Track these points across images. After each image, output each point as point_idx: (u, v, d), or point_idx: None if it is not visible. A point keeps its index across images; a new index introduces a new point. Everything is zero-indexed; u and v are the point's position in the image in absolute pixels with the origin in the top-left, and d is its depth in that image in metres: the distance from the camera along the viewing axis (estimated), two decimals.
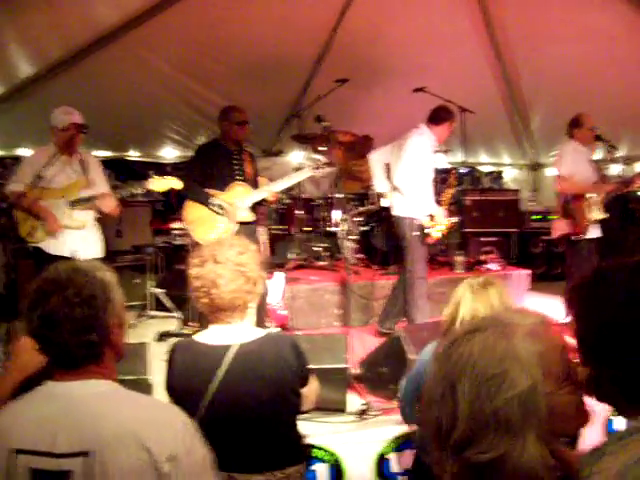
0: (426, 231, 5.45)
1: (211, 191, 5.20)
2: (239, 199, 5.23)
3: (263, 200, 5.38)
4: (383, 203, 6.32)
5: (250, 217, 5.28)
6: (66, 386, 1.71)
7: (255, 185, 5.38)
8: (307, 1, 6.62)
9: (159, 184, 4.85)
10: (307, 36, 7.22)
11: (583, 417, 1.27)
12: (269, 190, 5.32)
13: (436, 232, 5.48)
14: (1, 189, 5.23)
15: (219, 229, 5.17)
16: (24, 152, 7.57)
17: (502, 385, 1.12)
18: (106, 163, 5.84)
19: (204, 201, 5.18)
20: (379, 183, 6.35)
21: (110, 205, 4.88)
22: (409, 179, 5.51)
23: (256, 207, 5.34)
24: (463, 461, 1.12)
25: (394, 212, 5.68)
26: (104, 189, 4.95)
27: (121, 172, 7.97)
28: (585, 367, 1.26)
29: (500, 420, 1.11)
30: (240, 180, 5.30)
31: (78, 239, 4.80)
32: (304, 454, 2.57)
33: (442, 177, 6.83)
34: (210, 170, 5.24)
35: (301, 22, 6.86)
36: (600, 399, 1.29)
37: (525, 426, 1.12)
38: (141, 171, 8.44)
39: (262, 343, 2.38)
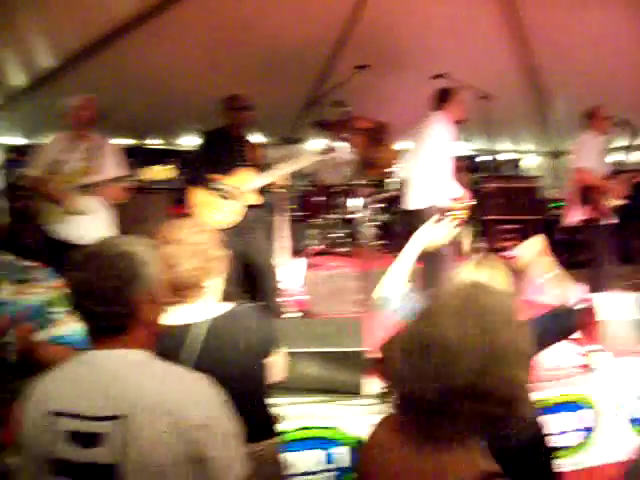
0: (452, 213, 5.50)
1: (215, 176, 5.25)
2: (243, 183, 5.28)
3: (269, 185, 5.42)
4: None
5: (255, 200, 5.33)
6: (102, 354, 1.79)
7: (259, 171, 5.42)
8: None
9: (151, 173, 4.83)
10: (327, 23, 7.22)
11: None
12: (274, 174, 5.35)
13: (460, 213, 5.52)
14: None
15: (224, 212, 5.23)
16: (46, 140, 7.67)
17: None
18: (126, 150, 5.89)
19: (207, 185, 5.23)
20: None
21: (107, 193, 4.93)
22: (430, 165, 5.53)
23: (270, 194, 5.39)
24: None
25: (412, 207, 5.70)
26: (109, 176, 4.96)
27: (140, 159, 8.01)
28: None
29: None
30: (244, 166, 5.35)
31: (85, 225, 4.82)
32: (276, 429, 2.60)
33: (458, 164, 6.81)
34: (215, 156, 5.31)
35: (321, 9, 6.85)
36: None
37: None
38: (160, 158, 8.46)
39: (228, 317, 2.43)
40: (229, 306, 2.49)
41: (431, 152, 5.53)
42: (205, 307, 2.44)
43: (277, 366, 2.61)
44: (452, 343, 1.30)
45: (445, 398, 1.30)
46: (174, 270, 2.35)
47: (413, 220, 5.62)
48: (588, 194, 5.74)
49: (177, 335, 2.35)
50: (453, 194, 5.55)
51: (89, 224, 4.83)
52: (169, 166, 4.86)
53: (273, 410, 2.59)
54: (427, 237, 3.05)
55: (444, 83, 6.52)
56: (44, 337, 2.42)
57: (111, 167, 5.05)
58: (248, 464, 1.86)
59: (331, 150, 5.50)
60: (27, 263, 2.58)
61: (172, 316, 2.40)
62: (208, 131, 5.72)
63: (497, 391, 1.28)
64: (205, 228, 2.53)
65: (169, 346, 2.31)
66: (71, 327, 2.45)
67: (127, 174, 4.97)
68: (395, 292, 2.93)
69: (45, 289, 2.49)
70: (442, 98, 5.69)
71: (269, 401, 2.56)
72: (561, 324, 2.82)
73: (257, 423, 2.43)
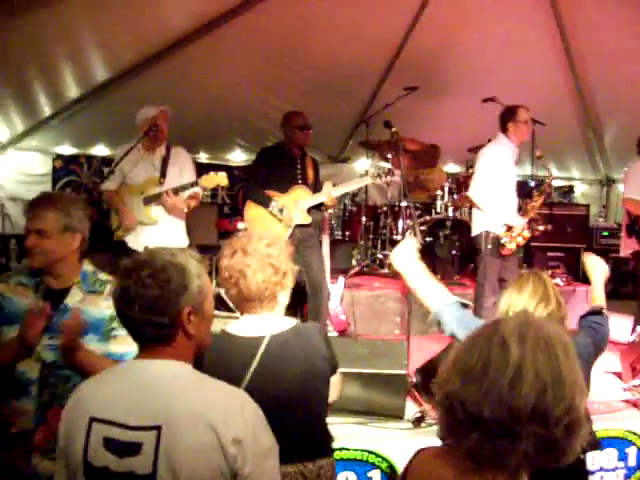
0: (502, 241, 5.27)
1: (271, 192, 5.29)
2: (298, 201, 5.30)
3: (321, 204, 5.44)
4: None
5: (306, 219, 5.35)
6: (143, 363, 1.81)
7: (315, 190, 5.45)
8: (378, 11, 6.61)
9: (209, 180, 4.89)
10: (377, 45, 7.22)
11: None
12: (328, 194, 5.36)
13: (511, 244, 5.28)
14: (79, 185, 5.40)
15: (276, 229, 5.24)
16: (99, 151, 7.86)
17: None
18: None
19: (264, 203, 5.27)
20: None
21: (169, 203, 4.86)
22: (483, 190, 5.40)
23: (315, 213, 5.40)
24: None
25: (472, 231, 5.57)
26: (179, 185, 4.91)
27: None
28: None
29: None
30: (301, 184, 5.38)
31: (155, 234, 4.86)
32: (332, 448, 2.59)
33: (530, 188, 6.68)
34: (272, 172, 5.35)
35: (372, 31, 6.85)
36: None
37: None
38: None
39: (292, 333, 2.41)
40: (292, 322, 2.49)
41: (489, 176, 5.40)
42: (271, 320, 2.44)
43: (334, 387, 2.58)
44: (518, 365, 1.34)
45: (511, 418, 1.32)
46: (246, 280, 2.36)
47: (472, 248, 5.54)
48: (637, 225, 5.61)
49: (247, 347, 2.35)
50: (508, 221, 5.37)
51: (160, 234, 4.87)
52: (222, 173, 4.91)
53: (328, 429, 2.57)
54: (401, 260, 2.91)
55: (493, 107, 6.48)
56: (99, 351, 2.48)
57: (183, 177, 5.04)
58: None
59: (390, 173, 5.46)
60: (103, 276, 2.63)
61: (240, 327, 2.43)
62: (267, 147, 5.77)
63: (558, 416, 1.32)
64: (277, 241, 2.53)
65: (239, 357, 2.33)
66: (128, 347, 2.50)
67: (194, 182, 4.95)
68: (440, 306, 2.87)
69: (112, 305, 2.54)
70: (505, 118, 5.53)
71: (325, 420, 2.54)
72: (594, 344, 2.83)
73: (316, 440, 2.44)
